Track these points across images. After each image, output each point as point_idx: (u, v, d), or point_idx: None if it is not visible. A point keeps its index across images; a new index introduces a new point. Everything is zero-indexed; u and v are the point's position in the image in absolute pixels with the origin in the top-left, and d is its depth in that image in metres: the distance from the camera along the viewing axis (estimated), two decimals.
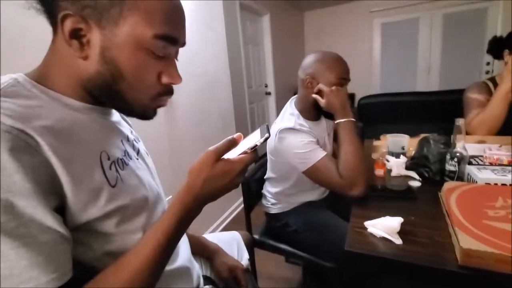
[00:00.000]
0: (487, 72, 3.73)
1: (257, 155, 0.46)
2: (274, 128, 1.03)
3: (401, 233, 0.67)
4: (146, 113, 0.47)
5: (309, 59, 1.02)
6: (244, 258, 0.87)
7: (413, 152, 1.07)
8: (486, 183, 0.79)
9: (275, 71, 3.60)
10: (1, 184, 0.31)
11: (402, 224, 0.67)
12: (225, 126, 2.19)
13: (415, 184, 0.91)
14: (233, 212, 2.32)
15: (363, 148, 0.94)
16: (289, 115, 1.05)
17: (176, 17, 0.44)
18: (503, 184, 0.78)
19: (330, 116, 1.01)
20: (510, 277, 0.51)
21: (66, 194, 0.38)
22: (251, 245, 1.05)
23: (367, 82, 4.51)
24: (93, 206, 0.40)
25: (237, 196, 2.38)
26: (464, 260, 0.55)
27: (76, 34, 0.39)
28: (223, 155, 0.44)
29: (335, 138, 1.24)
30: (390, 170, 1.03)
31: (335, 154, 1.18)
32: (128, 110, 0.46)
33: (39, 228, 0.34)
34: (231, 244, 0.90)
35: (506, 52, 1.24)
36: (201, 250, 0.78)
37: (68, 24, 0.38)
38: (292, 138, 0.96)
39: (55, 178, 0.36)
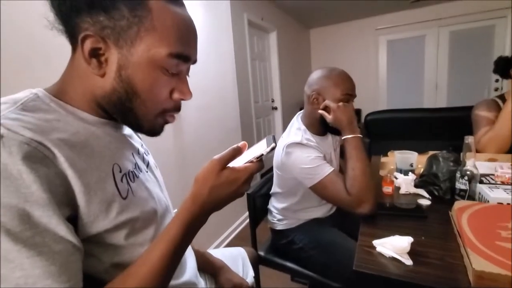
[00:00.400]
0: (496, 89, 3.70)
1: (263, 165, 0.46)
2: (281, 142, 1.04)
3: (411, 253, 0.65)
4: (154, 130, 0.48)
5: (315, 75, 1.03)
6: (249, 276, 0.85)
7: (422, 170, 1.05)
8: (498, 203, 0.77)
9: (281, 86, 3.65)
10: (19, 194, 0.32)
11: (412, 244, 0.65)
12: (232, 140, 2.21)
13: (425, 202, 0.90)
14: (238, 227, 2.30)
15: (370, 165, 0.93)
16: (296, 129, 1.05)
17: (189, 35, 0.46)
18: None
19: (336, 132, 1.02)
20: None
21: (79, 204, 0.38)
22: (256, 262, 1.04)
23: (373, 98, 4.51)
24: (105, 217, 0.41)
25: (242, 211, 2.36)
26: (477, 283, 0.53)
27: (94, 53, 0.41)
28: (228, 163, 0.45)
29: (341, 154, 1.23)
30: (398, 188, 1.01)
31: (341, 170, 1.18)
32: (137, 126, 0.48)
33: (53, 238, 0.34)
34: (236, 261, 0.88)
35: None
36: (206, 266, 0.77)
37: (88, 44, 0.40)
38: (299, 152, 0.96)
39: (69, 189, 0.38)
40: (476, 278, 0.53)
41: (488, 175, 0.97)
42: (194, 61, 0.49)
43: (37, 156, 0.35)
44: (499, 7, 3.61)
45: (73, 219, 0.39)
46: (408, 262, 0.64)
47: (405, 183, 0.98)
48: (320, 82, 1.01)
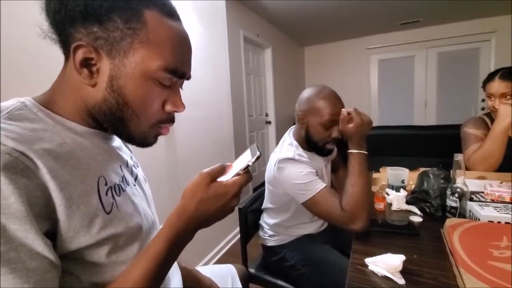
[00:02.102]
0: (483, 109, 3.82)
1: (250, 176, 0.45)
2: (273, 157, 1.03)
3: (404, 272, 0.64)
4: (146, 141, 0.48)
5: (305, 94, 1.04)
6: None
7: (413, 186, 1.06)
8: (489, 221, 0.77)
9: (275, 101, 3.69)
10: None
11: (405, 263, 0.64)
12: (225, 153, 2.20)
13: (417, 219, 0.89)
14: (229, 243, 2.24)
15: (370, 183, 0.92)
16: (288, 145, 1.05)
17: (184, 50, 0.46)
18: (506, 223, 0.76)
19: (320, 151, 1.03)
20: None
21: (60, 218, 0.37)
22: (246, 279, 1.00)
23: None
24: (86, 233, 0.39)
25: (233, 227, 2.31)
26: None
27: (86, 63, 0.41)
28: (217, 178, 0.44)
29: (332, 169, 1.23)
30: (390, 204, 1.01)
31: (332, 186, 1.17)
32: (129, 137, 0.47)
33: (29, 254, 0.32)
34: (226, 278, 0.85)
35: None
36: (194, 284, 0.74)
37: (80, 54, 0.40)
38: (291, 168, 0.96)
39: (49, 202, 0.36)
40: None
41: (478, 192, 0.98)
42: (189, 78, 0.49)
43: (17, 167, 0.33)
44: (484, 31, 3.80)
45: (52, 233, 0.37)
46: (401, 281, 0.62)
47: (397, 200, 0.98)
48: (308, 103, 1.01)
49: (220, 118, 2.16)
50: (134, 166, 0.58)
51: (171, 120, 0.48)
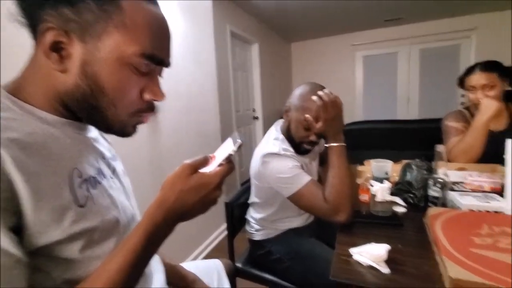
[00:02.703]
0: (462, 103, 3.95)
1: (233, 166, 0.44)
2: (258, 151, 1.02)
3: (388, 261, 0.64)
4: (125, 130, 0.45)
5: (298, 90, 1.03)
6: None
7: (397, 178, 1.07)
8: (469, 210, 0.79)
9: (262, 97, 3.68)
10: None
11: (389, 252, 0.65)
12: (211, 147, 2.16)
13: (400, 210, 0.91)
14: (217, 238, 2.23)
15: (352, 175, 0.92)
16: (274, 139, 1.04)
17: (162, 37, 0.44)
18: (486, 211, 0.78)
19: (296, 147, 1.02)
20: None
21: (26, 212, 0.34)
22: (233, 274, 0.99)
23: (350, 109, 4.67)
24: (56, 227, 0.36)
25: (220, 222, 2.29)
26: None
27: (56, 47, 0.38)
28: (199, 169, 0.42)
29: (321, 163, 1.23)
30: (374, 195, 1.02)
31: (320, 180, 1.17)
32: (107, 126, 0.44)
33: None
34: (211, 274, 0.84)
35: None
36: (178, 280, 0.72)
37: (49, 37, 0.37)
38: (276, 162, 0.95)
39: (14, 195, 0.33)
40: (453, 286, 0.52)
41: (458, 183, 1.01)
42: (168, 65, 0.46)
43: None
44: (464, 29, 3.91)
45: (18, 228, 0.34)
46: (386, 270, 0.63)
47: (381, 191, 0.99)
48: (297, 99, 1.00)
49: (206, 112, 2.12)
50: (112, 158, 0.55)
51: (151, 109, 0.46)
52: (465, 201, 0.81)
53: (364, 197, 1.01)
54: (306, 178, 0.91)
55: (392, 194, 1.00)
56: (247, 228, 1.19)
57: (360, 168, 1.38)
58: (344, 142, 0.92)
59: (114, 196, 0.48)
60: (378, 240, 0.70)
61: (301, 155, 1.05)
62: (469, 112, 1.41)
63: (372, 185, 1.05)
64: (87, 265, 0.40)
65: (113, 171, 0.53)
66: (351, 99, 4.68)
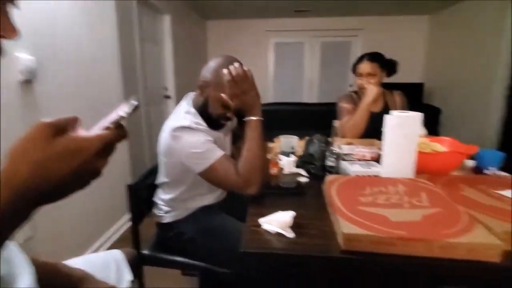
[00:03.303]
0: (351, 86, 4.70)
1: (124, 132, 0.35)
2: (168, 126, 0.92)
3: (294, 227, 0.69)
4: None
5: (213, 64, 0.96)
6: (124, 281, 0.72)
7: (301, 153, 1.16)
8: (356, 175, 0.92)
9: (176, 74, 3.41)
10: None
11: (294, 218, 0.69)
12: None
13: (304, 180, 0.99)
14: (122, 228, 2.00)
15: (266, 150, 0.94)
16: (185, 113, 0.96)
17: None
18: (368, 175, 0.93)
19: (212, 123, 0.98)
20: (383, 256, 0.58)
21: None
22: (137, 262, 0.89)
23: (262, 92, 4.84)
24: None
25: (124, 209, 2.07)
26: (346, 245, 0.59)
27: None
28: (64, 130, 0.31)
29: (234, 140, 1.22)
30: (282, 169, 1.08)
31: (233, 157, 1.16)
32: None
33: None
34: (108, 266, 0.73)
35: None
36: (61, 281, 0.59)
37: None
38: (187, 137, 0.88)
39: None
40: (345, 241, 0.59)
41: (348, 154, 1.16)
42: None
43: None
44: (354, 28, 4.58)
45: None
46: (291, 235, 0.67)
47: (288, 164, 1.05)
48: (213, 74, 0.94)
49: (105, 86, 1.82)
50: None
51: None
52: (354, 169, 0.95)
53: (273, 171, 1.06)
54: (218, 153, 0.88)
55: (297, 166, 1.08)
56: (155, 211, 1.09)
57: (271, 145, 1.44)
58: (261, 116, 0.92)
59: None
60: (284, 209, 0.73)
61: (214, 129, 1.00)
62: (357, 96, 1.66)
63: (280, 159, 1.11)
64: None
65: None
66: (263, 83, 4.90)
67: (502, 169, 1.04)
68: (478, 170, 1.05)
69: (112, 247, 1.82)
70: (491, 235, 0.57)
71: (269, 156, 1.29)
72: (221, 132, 1.06)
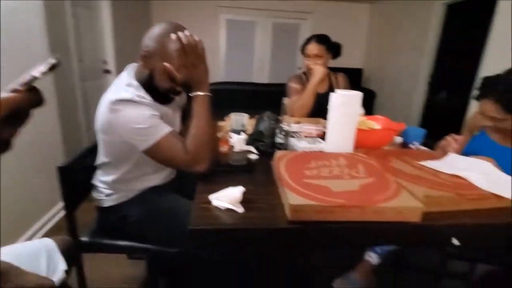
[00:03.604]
0: (300, 68, 4.84)
1: (39, 96, 0.30)
2: (106, 99, 0.83)
3: (243, 202, 0.69)
4: None
5: (156, 30, 0.87)
6: (58, 270, 0.65)
7: (252, 131, 1.17)
8: (303, 151, 0.96)
9: (116, 46, 3.07)
10: None
11: (244, 194, 0.69)
12: (40, 112, 1.62)
13: (253, 157, 1.00)
14: (57, 215, 1.81)
15: (215, 126, 0.91)
16: (126, 85, 0.87)
17: None
18: (313, 151, 0.98)
19: (159, 98, 0.92)
20: (325, 223, 0.62)
21: None
22: (73, 250, 0.82)
23: (214, 71, 4.74)
24: None
25: (58, 196, 1.87)
26: (293, 215, 0.62)
27: None
28: None
29: (184, 118, 1.16)
30: (233, 146, 1.07)
31: (182, 135, 1.11)
32: None
33: None
34: (37, 256, 0.65)
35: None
36: None
37: None
38: (129, 110, 0.80)
39: None
40: (292, 212, 0.62)
41: (296, 132, 1.21)
42: None
43: None
44: (303, 11, 4.66)
45: None
46: (240, 210, 0.67)
47: (238, 142, 1.05)
48: (158, 42, 0.85)
49: (26, 58, 1.54)
50: None
51: None
52: (301, 145, 0.99)
53: (224, 148, 1.04)
54: (165, 129, 0.82)
55: (247, 144, 1.09)
56: (95, 194, 1.00)
57: (221, 123, 1.42)
58: (208, 92, 0.88)
59: None
60: (234, 185, 0.73)
61: (162, 104, 0.93)
62: (306, 77, 1.71)
63: (231, 137, 1.10)
64: None
65: None
66: (215, 61, 4.75)
67: (423, 144, 1.19)
68: (404, 145, 1.20)
69: (46, 236, 1.65)
70: (414, 199, 0.66)
71: (219, 134, 1.27)
72: (169, 108, 0.99)
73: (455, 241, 0.67)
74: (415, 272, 1.54)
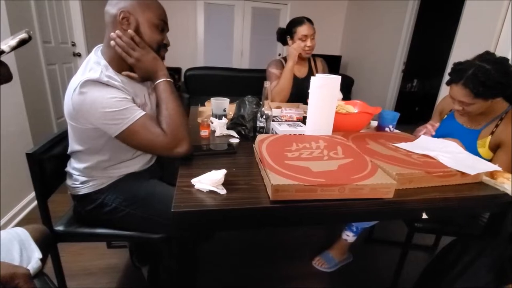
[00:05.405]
0: (279, 54, 4.81)
1: (6, 71, 0.28)
2: (74, 82, 0.78)
3: (225, 184, 0.69)
4: None
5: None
6: (33, 260, 0.62)
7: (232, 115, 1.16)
8: (284, 134, 0.98)
9: (86, 27, 2.87)
10: None
11: (226, 176, 0.69)
12: (4, 93, 1.50)
13: (235, 141, 1.00)
14: (30, 204, 1.73)
15: (183, 106, 0.89)
16: (94, 63, 0.82)
17: None
18: (294, 134, 0.99)
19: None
20: (306, 201, 0.64)
21: None
22: (48, 239, 0.79)
23: (192, 56, 4.63)
24: None
25: (30, 185, 1.77)
26: (274, 195, 0.63)
27: None
28: None
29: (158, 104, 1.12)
30: (214, 131, 1.06)
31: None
32: None
33: None
34: (9, 246, 0.62)
35: (288, 37, 1.63)
36: None
37: None
38: (98, 93, 0.75)
39: None
40: (273, 192, 0.63)
41: (277, 116, 1.22)
42: None
43: None
44: None
45: None
46: (223, 191, 0.68)
47: (219, 127, 1.05)
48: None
49: None
50: None
51: None
52: (282, 128, 1.00)
53: (204, 133, 1.04)
54: (139, 112, 0.79)
55: (228, 128, 1.08)
56: (69, 182, 0.96)
57: (201, 108, 1.39)
58: (168, 77, 0.87)
59: None
60: (216, 169, 0.73)
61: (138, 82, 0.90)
62: (285, 61, 1.71)
63: (212, 122, 1.09)
64: None
65: None
66: (193, 46, 4.61)
67: (397, 127, 1.25)
68: (380, 128, 1.25)
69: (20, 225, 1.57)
70: (388, 177, 0.69)
71: (199, 119, 1.26)
72: (144, 86, 0.95)
73: (424, 215, 0.72)
74: (385, 246, 1.67)
